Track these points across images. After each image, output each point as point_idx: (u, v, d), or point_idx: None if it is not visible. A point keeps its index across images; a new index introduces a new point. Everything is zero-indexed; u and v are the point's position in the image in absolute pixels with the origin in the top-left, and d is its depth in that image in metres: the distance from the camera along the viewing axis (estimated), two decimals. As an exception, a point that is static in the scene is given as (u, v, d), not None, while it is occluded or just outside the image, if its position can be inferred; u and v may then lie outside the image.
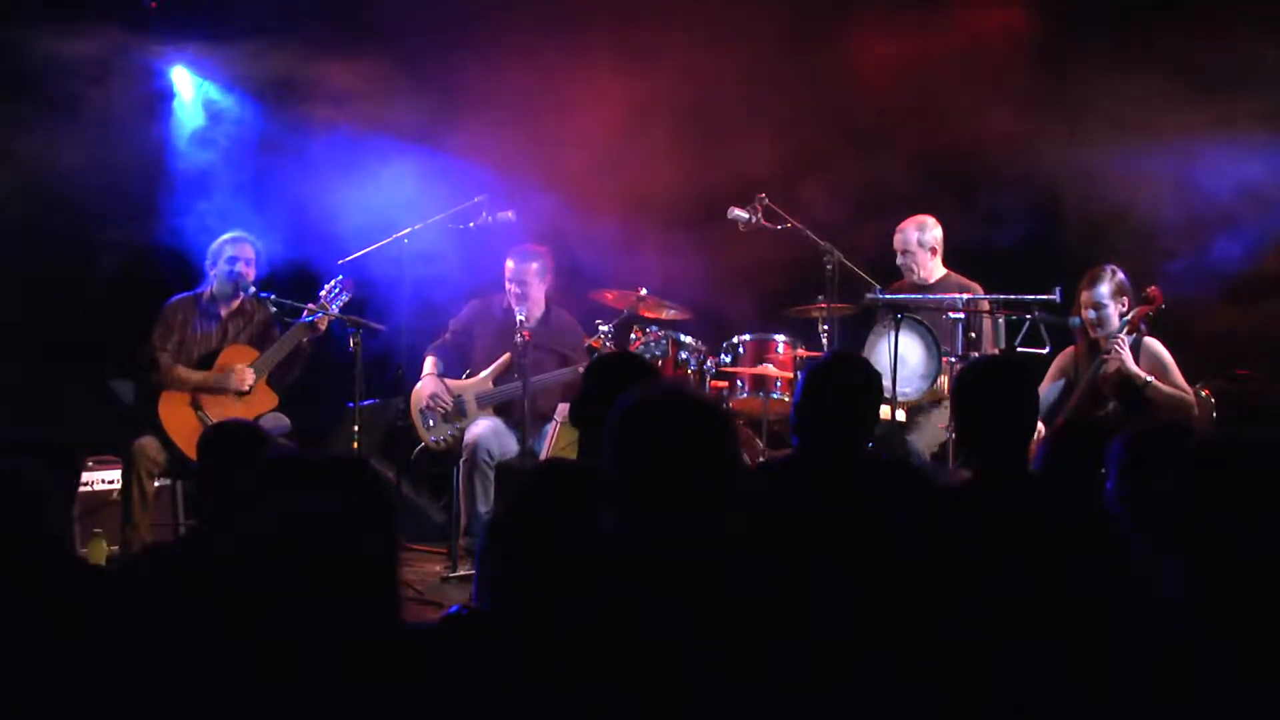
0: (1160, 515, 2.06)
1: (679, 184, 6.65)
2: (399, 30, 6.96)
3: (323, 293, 5.97)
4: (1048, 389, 5.58)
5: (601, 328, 6.19)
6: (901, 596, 2.48)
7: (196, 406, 5.76)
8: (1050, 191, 6.46)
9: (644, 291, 6.30)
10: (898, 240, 6.21)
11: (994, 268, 6.18)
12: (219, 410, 5.71)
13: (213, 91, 7.24)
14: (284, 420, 5.84)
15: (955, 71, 6.54)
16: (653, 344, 6.15)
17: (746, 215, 6.08)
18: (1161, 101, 6.03)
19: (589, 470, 2.60)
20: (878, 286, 5.97)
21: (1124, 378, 5.43)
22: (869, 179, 6.50)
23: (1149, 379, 5.40)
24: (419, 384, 6.26)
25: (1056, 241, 6.46)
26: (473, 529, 5.95)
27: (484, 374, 6.26)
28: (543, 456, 5.98)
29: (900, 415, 5.73)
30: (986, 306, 5.81)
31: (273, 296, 5.98)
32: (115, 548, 5.68)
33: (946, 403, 5.61)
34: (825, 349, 6.00)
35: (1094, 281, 5.56)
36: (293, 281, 6.36)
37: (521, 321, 6.02)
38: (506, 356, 6.17)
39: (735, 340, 6.25)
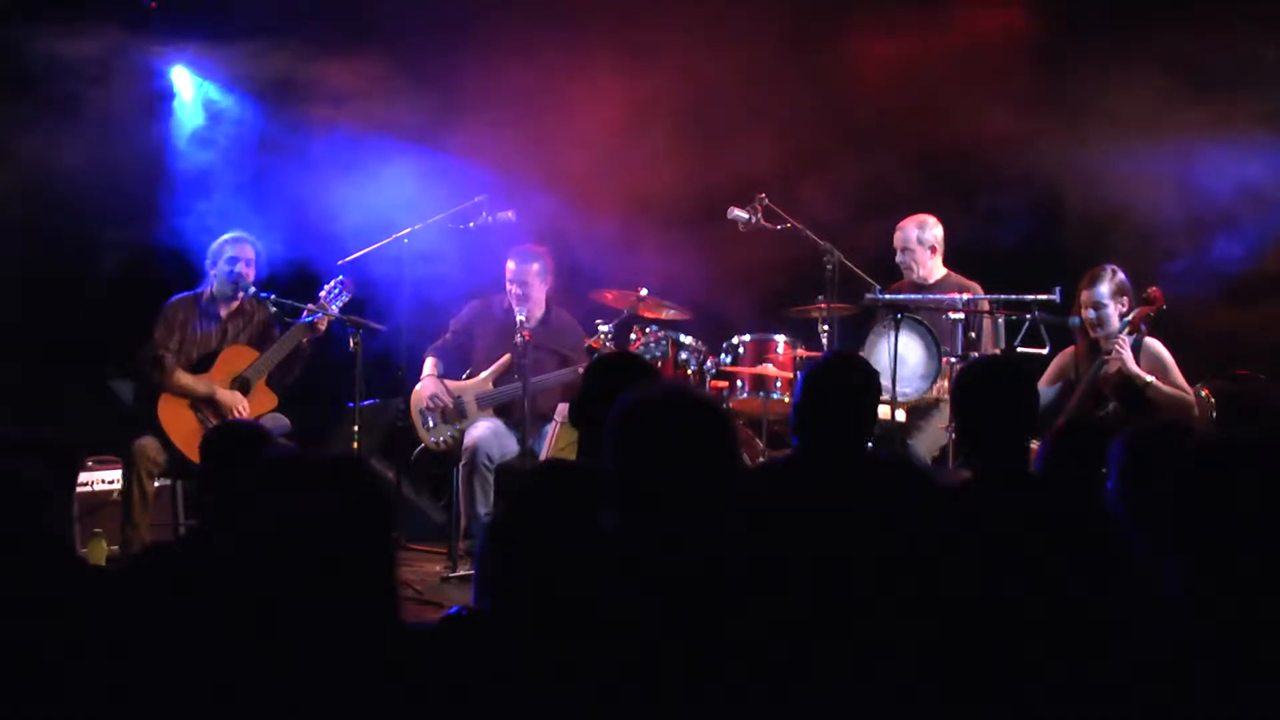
0: (1160, 515, 2.06)
1: (679, 184, 6.65)
2: (399, 30, 6.96)
3: (323, 293, 5.97)
4: (1044, 390, 5.58)
5: (601, 328, 6.19)
6: (901, 596, 2.48)
7: (196, 407, 5.76)
8: (1050, 191, 6.46)
9: (644, 291, 6.30)
10: (898, 238, 6.21)
11: (994, 268, 6.18)
12: (219, 412, 5.71)
13: (213, 91, 7.24)
14: (284, 420, 5.84)
15: (955, 71, 6.54)
16: (653, 344, 6.15)
17: (746, 215, 6.08)
18: (1161, 101, 6.03)
19: (589, 470, 2.60)
20: (877, 286, 5.97)
21: (1124, 378, 5.42)
22: (869, 179, 6.49)
23: (1149, 379, 5.40)
24: (419, 384, 6.26)
25: (1056, 241, 6.46)
26: (472, 531, 5.95)
27: (484, 374, 6.26)
28: (543, 457, 5.98)
29: (900, 415, 5.73)
30: (986, 306, 5.81)
31: (273, 296, 5.98)
32: (115, 548, 5.68)
33: (946, 403, 5.62)
34: (825, 349, 6.00)
35: (1094, 281, 5.56)
36: (293, 281, 6.36)
37: (521, 322, 6.02)
38: (506, 357, 6.17)
39: (735, 340, 6.24)
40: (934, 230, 6.17)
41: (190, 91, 7.22)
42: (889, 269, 6.27)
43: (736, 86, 6.84)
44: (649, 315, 6.47)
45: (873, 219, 6.44)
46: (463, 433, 6.13)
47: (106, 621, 2.29)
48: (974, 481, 3.19)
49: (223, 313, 6.00)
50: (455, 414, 6.20)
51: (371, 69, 6.72)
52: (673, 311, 6.49)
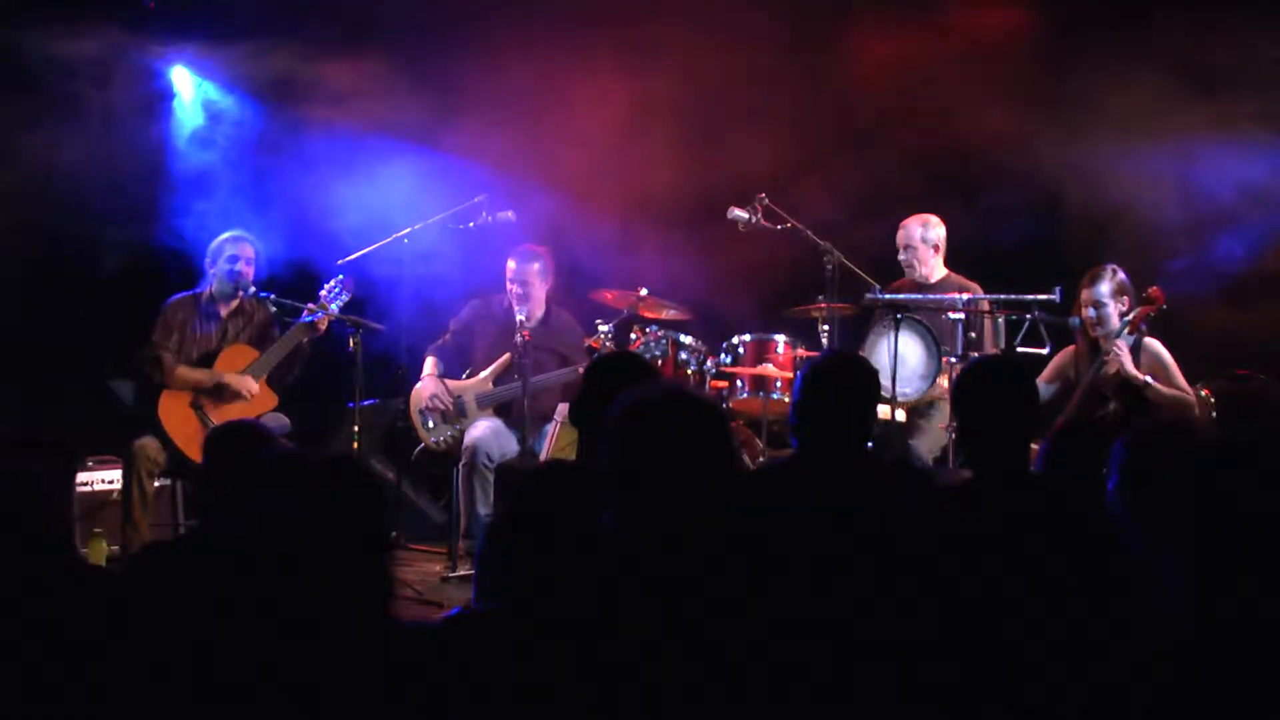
0: (1160, 516, 2.06)
1: (679, 184, 6.65)
2: (399, 30, 6.97)
3: (323, 293, 5.96)
4: (1042, 387, 5.58)
5: (601, 328, 6.19)
6: (901, 596, 2.48)
7: (197, 407, 5.76)
8: (1050, 191, 6.46)
9: (644, 291, 6.30)
10: (900, 236, 6.21)
11: (994, 268, 6.17)
12: (219, 411, 5.71)
13: (212, 91, 7.24)
14: (284, 420, 5.84)
15: (955, 71, 6.54)
16: (653, 344, 6.15)
17: (746, 215, 6.08)
18: (1162, 101, 6.03)
19: (589, 470, 2.60)
20: (877, 286, 5.97)
21: (1124, 379, 5.42)
22: (869, 179, 6.49)
23: (1148, 380, 5.40)
24: (419, 384, 6.26)
25: (1056, 241, 6.46)
26: (472, 531, 5.94)
27: (484, 374, 6.26)
28: (543, 457, 5.97)
29: (900, 415, 5.73)
30: (986, 306, 5.81)
31: (273, 296, 5.98)
32: (115, 548, 5.68)
33: (947, 403, 5.61)
34: (825, 349, 5.99)
35: (1094, 280, 5.56)
36: (293, 281, 6.36)
37: (522, 322, 6.02)
38: (506, 357, 6.16)
39: (735, 340, 6.24)
40: (937, 230, 6.17)
41: (190, 91, 7.22)
42: (889, 269, 6.26)
43: (736, 86, 6.85)
44: (649, 315, 6.47)
45: (873, 219, 6.43)
46: (463, 432, 6.13)
47: (106, 621, 2.29)
48: (974, 482, 3.19)
49: (222, 312, 6.00)
50: (455, 414, 6.20)
51: (371, 69, 6.72)
52: (673, 311, 6.49)
